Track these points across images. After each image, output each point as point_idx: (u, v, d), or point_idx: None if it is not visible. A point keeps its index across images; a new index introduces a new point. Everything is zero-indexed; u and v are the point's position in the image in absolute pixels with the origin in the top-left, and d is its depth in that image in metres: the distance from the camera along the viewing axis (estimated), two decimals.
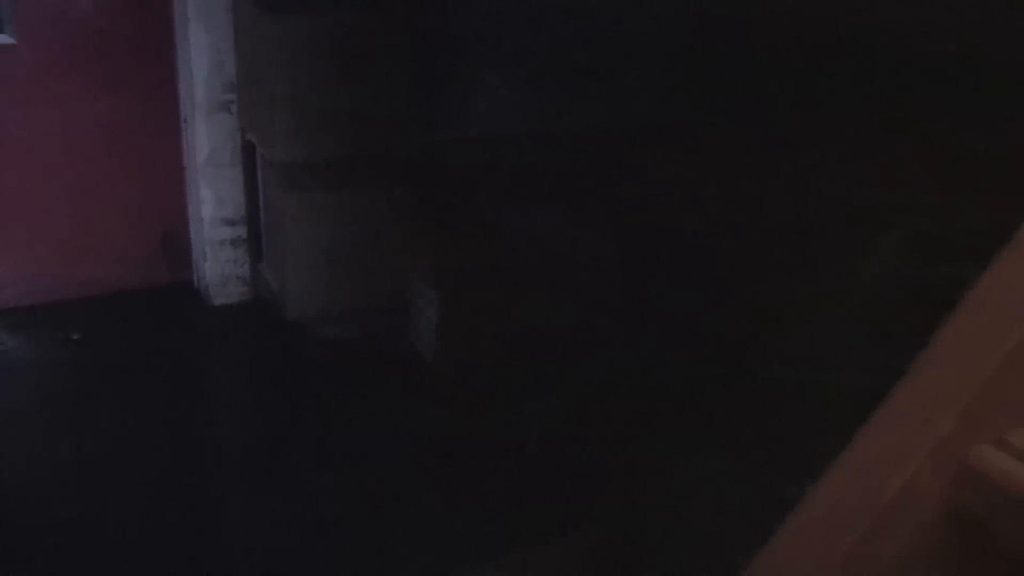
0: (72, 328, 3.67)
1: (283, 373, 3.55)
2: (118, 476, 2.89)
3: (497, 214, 3.53)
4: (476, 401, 3.12)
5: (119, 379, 3.41)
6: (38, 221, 3.81)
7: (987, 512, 0.83)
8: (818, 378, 2.09)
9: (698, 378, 2.47)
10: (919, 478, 0.84)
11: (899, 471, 0.84)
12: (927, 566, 0.86)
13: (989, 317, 0.87)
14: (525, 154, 3.46)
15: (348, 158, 3.31)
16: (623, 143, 2.98)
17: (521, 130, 3.59)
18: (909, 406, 0.88)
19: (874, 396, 0.88)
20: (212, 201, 3.82)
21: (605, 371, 2.72)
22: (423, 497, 2.81)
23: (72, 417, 3.15)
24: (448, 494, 2.81)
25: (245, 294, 3.97)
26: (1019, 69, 1.81)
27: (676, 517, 2.06)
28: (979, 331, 0.88)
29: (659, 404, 2.50)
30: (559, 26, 3.07)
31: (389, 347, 3.47)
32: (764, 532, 0.90)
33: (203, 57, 3.64)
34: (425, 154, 3.40)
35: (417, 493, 2.82)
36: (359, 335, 3.43)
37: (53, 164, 3.75)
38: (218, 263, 3.92)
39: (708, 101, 2.61)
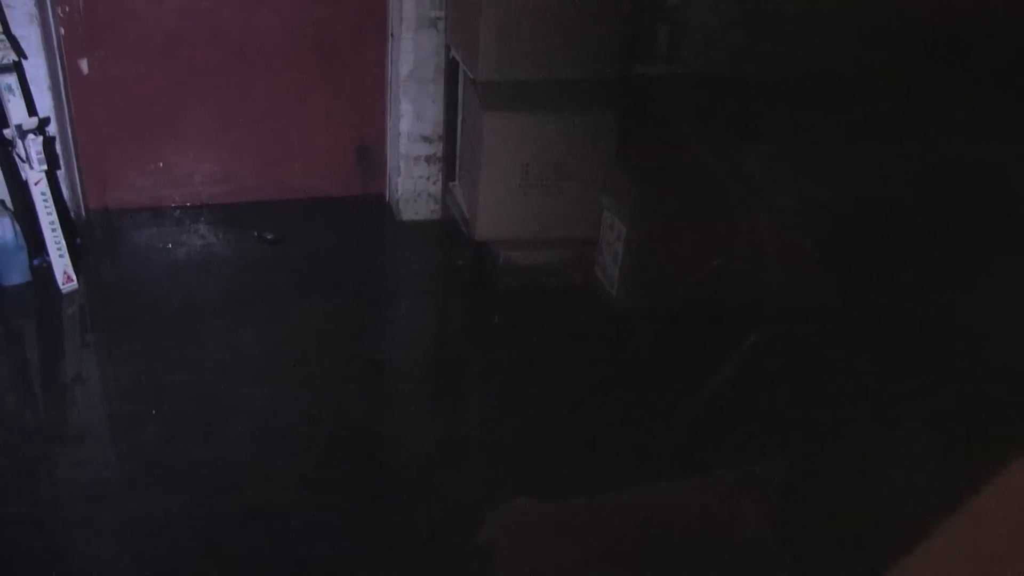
0: (267, 229, 3.80)
1: (463, 291, 3.58)
2: (291, 367, 3.00)
3: (697, 152, 3.42)
4: (653, 335, 3.07)
5: (302, 280, 3.52)
6: (250, 124, 3.94)
7: None
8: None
9: (900, 342, 2.34)
10: None
11: None
12: None
13: None
14: (731, 94, 3.33)
15: (551, 83, 3.26)
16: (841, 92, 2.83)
17: (729, 70, 3.46)
18: None
19: None
20: (411, 116, 3.84)
21: (799, 321, 2.60)
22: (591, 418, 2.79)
23: (254, 313, 3.28)
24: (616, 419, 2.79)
25: (435, 212, 3.99)
26: None
27: (860, 469, 1.96)
28: None
29: (854, 360, 2.37)
30: None
31: (572, 276, 3.45)
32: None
33: None
34: (629, 85, 3.31)
35: (585, 415, 2.81)
36: (544, 262, 3.41)
37: (269, 71, 3.86)
38: (411, 179, 3.95)
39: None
